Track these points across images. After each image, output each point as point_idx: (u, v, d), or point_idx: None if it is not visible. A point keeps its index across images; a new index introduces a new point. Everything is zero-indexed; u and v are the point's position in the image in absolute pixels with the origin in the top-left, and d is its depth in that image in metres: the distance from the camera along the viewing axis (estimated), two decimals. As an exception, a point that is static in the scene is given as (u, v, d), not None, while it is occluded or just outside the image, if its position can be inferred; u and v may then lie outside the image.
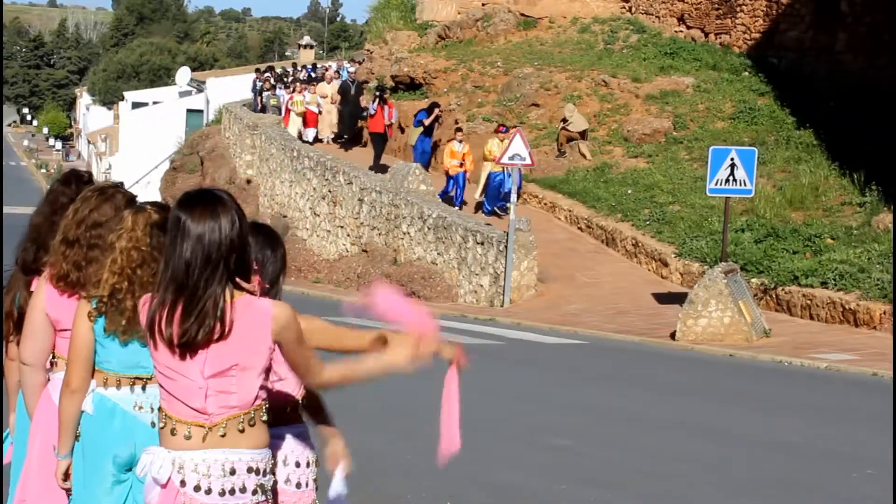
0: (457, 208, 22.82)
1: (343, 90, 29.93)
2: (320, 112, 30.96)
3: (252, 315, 3.37)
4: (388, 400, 10.81)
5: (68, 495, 4.33)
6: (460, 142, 23.93)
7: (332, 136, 31.00)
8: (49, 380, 4.52)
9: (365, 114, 29.82)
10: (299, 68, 39.96)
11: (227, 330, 3.34)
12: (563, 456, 8.58)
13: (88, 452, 4.23)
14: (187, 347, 3.35)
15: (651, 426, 9.80)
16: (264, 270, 3.72)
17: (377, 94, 27.63)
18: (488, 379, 12.22)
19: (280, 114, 32.31)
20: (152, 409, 4.23)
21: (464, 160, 23.75)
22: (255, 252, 3.65)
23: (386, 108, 27.05)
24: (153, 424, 4.17)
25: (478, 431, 9.44)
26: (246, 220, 3.44)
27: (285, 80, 36.38)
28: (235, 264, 3.37)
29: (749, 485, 7.88)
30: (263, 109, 33.31)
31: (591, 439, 9.21)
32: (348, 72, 32.11)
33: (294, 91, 32.37)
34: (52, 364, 4.54)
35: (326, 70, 36.32)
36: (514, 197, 19.26)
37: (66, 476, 4.26)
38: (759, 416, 10.31)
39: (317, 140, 30.73)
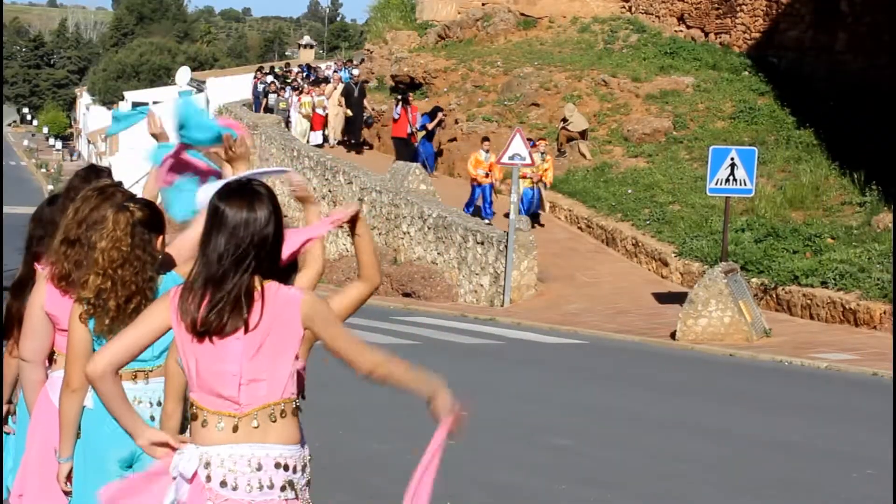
0: (487, 221, 21.90)
1: (346, 92, 29.40)
2: (327, 114, 30.49)
3: (281, 302, 3.39)
4: (388, 401, 10.81)
5: (68, 497, 4.32)
6: (487, 151, 22.61)
7: (338, 139, 30.47)
8: (48, 377, 4.53)
9: (369, 117, 29.56)
10: (294, 69, 39.48)
11: (258, 319, 3.36)
12: (563, 456, 8.58)
13: (88, 447, 4.23)
14: (218, 335, 3.36)
15: (651, 426, 9.80)
16: None
17: (398, 97, 26.63)
18: (488, 379, 12.22)
19: (289, 117, 31.65)
20: (151, 404, 4.22)
21: (490, 170, 22.48)
22: None
23: (409, 112, 26.11)
24: (152, 418, 4.16)
25: (478, 431, 9.44)
26: (282, 217, 3.45)
27: (288, 80, 35.91)
28: (266, 259, 3.39)
29: (749, 485, 7.88)
30: (270, 112, 32.85)
31: (591, 439, 9.21)
32: (351, 73, 31.66)
33: (301, 93, 31.83)
34: (51, 361, 4.55)
35: (319, 71, 36.19)
36: (513, 197, 19.26)
37: (68, 479, 4.25)
38: (759, 416, 10.31)
39: (323, 142, 30.32)
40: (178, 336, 3.42)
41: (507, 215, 20.16)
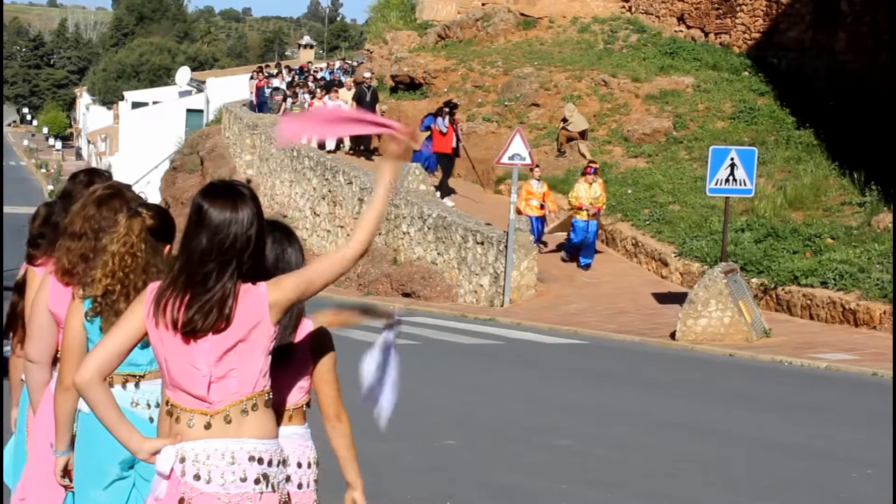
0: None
1: (358, 96, 28.45)
2: None
3: (250, 301, 3.39)
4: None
5: (68, 492, 4.32)
6: (538, 180, 20.89)
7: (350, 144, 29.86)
8: (52, 378, 4.53)
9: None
10: (283, 70, 38.75)
11: (230, 321, 3.37)
12: (563, 456, 8.58)
13: (84, 450, 4.23)
14: (191, 334, 3.37)
15: (651, 426, 9.80)
16: (286, 261, 3.72)
17: (447, 110, 24.67)
18: (488, 379, 12.23)
19: None
20: (149, 405, 4.23)
21: (544, 201, 20.95)
22: (275, 246, 3.68)
23: (455, 124, 24.57)
24: (151, 420, 4.17)
25: (478, 431, 9.44)
26: (264, 220, 3.45)
27: (298, 80, 35.16)
28: (249, 262, 3.39)
29: (749, 485, 7.88)
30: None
31: (591, 439, 9.21)
32: (362, 76, 30.99)
33: (314, 97, 30.73)
34: (55, 364, 4.54)
35: (317, 73, 35.84)
36: (513, 197, 19.25)
37: (66, 473, 4.26)
38: (760, 416, 10.31)
39: (336, 148, 29.71)
40: (151, 334, 3.43)
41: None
